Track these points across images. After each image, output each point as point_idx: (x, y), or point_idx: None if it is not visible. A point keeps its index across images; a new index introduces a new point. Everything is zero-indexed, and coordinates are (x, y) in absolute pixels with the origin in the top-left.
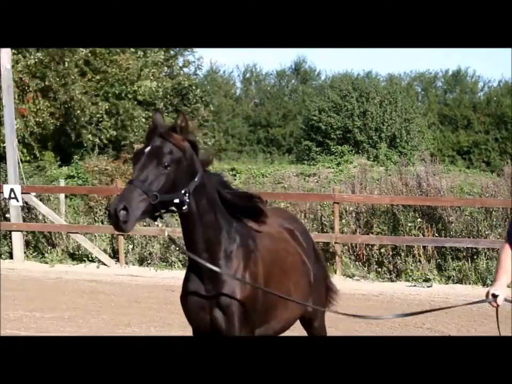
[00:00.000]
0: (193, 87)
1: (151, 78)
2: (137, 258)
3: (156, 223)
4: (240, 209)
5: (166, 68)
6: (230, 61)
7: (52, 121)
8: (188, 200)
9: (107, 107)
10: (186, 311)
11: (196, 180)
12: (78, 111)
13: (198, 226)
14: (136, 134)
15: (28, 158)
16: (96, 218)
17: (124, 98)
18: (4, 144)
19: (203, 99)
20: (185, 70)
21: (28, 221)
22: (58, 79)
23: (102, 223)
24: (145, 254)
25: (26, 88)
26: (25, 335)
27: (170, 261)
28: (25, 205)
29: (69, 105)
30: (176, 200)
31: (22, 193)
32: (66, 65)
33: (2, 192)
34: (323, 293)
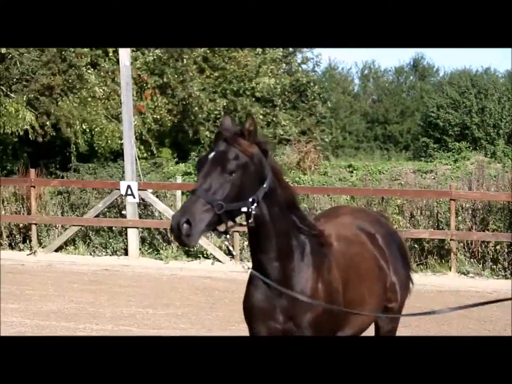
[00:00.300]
0: (311, 84)
1: (270, 74)
2: None
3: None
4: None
5: (284, 65)
6: (348, 57)
7: (169, 118)
8: (254, 212)
9: (225, 104)
10: (253, 319)
11: (264, 186)
12: (196, 108)
13: (271, 234)
14: None
15: (145, 154)
16: None
17: (242, 95)
18: (122, 141)
19: (321, 96)
20: (304, 66)
21: (144, 217)
22: (176, 76)
23: None
24: None
25: (144, 85)
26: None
27: None
28: (141, 201)
29: (187, 102)
30: (244, 209)
31: (138, 189)
32: (185, 62)
33: (119, 189)
34: (404, 297)
